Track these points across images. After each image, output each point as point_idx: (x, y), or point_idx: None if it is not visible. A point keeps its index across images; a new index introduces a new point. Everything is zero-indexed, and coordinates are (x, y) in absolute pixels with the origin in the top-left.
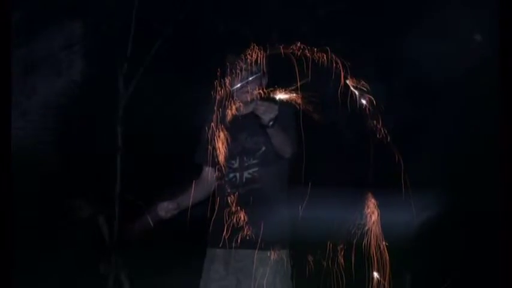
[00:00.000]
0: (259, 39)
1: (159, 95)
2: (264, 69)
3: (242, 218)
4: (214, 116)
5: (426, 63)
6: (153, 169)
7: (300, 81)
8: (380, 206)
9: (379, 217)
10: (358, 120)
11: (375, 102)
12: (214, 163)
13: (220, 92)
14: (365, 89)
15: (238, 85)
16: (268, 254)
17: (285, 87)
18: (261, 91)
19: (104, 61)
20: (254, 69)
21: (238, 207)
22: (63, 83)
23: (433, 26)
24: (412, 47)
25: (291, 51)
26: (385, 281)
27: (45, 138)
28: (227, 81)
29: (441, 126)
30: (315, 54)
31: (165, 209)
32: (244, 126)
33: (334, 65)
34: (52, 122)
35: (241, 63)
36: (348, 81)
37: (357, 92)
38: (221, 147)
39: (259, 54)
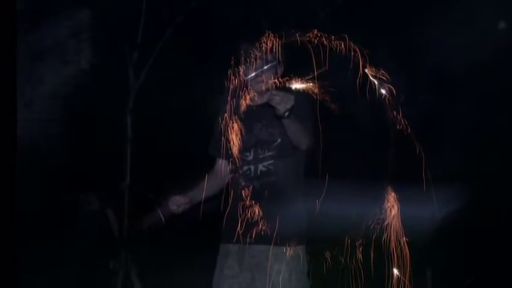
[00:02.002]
0: (275, 27)
1: (171, 85)
2: (280, 57)
3: (257, 212)
4: (228, 107)
5: (449, 52)
6: (164, 161)
7: (316, 70)
8: (400, 200)
9: (399, 211)
10: (378, 111)
11: (394, 92)
12: (228, 155)
13: (234, 82)
14: (384, 79)
15: (253, 74)
16: (284, 250)
17: (301, 76)
18: (276, 80)
19: (113, 50)
20: (269, 57)
21: (253, 201)
22: (70, 72)
23: (455, 14)
24: (434, 36)
25: (308, 39)
26: (405, 278)
27: (52, 130)
28: (241, 70)
29: (464, 118)
30: (332, 42)
31: (177, 203)
32: (258, 117)
33: (353, 53)
34: (59, 113)
35: (256, 52)
36: (366, 70)
37: (376, 82)
38: (235, 138)
39: (274, 43)
